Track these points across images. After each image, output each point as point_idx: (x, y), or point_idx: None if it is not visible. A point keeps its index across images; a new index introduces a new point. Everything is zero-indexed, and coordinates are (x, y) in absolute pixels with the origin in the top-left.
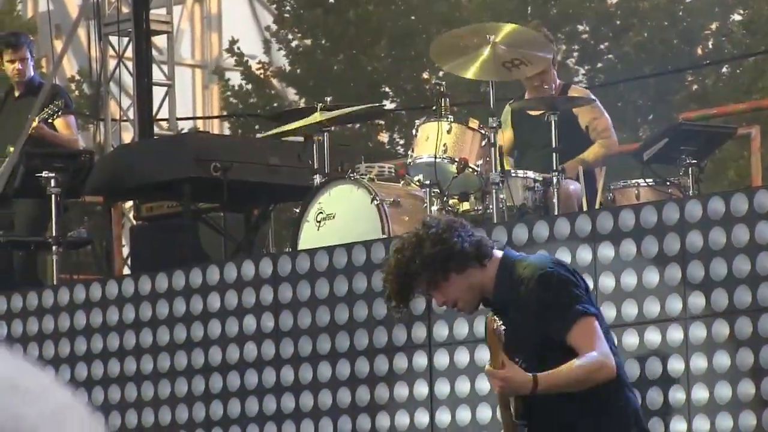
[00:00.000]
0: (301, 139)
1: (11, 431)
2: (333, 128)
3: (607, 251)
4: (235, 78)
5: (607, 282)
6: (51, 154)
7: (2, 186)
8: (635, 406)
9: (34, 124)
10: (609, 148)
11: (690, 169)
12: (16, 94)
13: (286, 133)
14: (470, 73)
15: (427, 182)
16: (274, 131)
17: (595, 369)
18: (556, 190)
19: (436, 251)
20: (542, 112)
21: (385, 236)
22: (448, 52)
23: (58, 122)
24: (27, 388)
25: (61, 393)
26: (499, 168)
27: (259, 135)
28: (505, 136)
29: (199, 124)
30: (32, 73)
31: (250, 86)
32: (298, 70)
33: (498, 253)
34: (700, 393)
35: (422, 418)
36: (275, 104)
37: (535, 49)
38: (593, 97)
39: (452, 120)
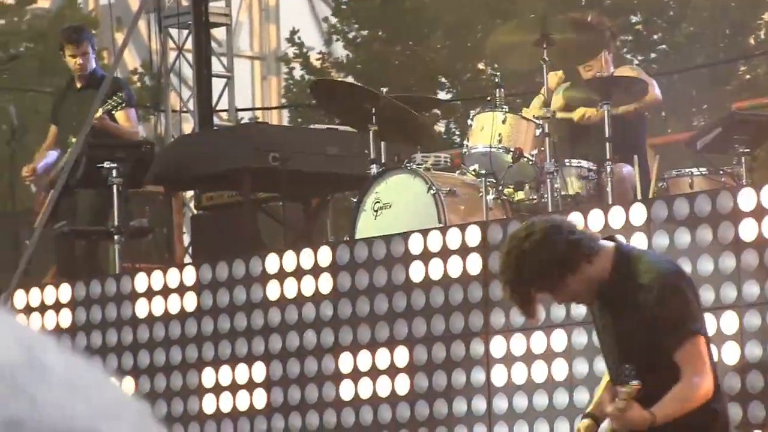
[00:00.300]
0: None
1: (67, 427)
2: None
3: (661, 240)
4: (295, 69)
5: None
6: (113, 144)
7: (66, 176)
8: (724, 420)
9: (97, 115)
10: (652, 96)
11: (743, 157)
12: (78, 85)
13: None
14: (524, 62)
15: (483, 172)
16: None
17: (698, 398)
18: (609, 179)
19: (545, 259)
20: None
21: (441, 225)
22: (503, 46)
23: (119, 115)
24: (83, 384)
25: (115, 387)
26: (553, 157)
27: (318, 126)
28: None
29: (258, 114)
30: (94, 66)
31: (310, 76)
32: (356, 62)
33: (607, 245)
34: (755, 380)
35: (479, 405)
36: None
37: (588, 37)
38: (636, 67)
39: (507, 110)
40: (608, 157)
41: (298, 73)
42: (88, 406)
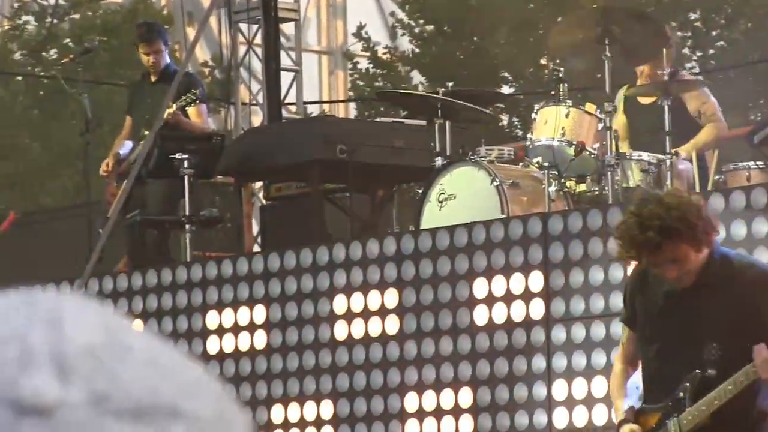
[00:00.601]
0: (424, 122)
1: (149, 405)
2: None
3: None
4: (362, 63)
5: None
6: (184, 137)
7: (138, 168)
8: None
9: (171, 110)
10: (719, 131)
11: None
12: (152, 79)
13: (410, 116)
14: (584, 62)
15: (546, 164)
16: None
17: None
18: (669, 171)
19: (701, 223)
20: (653, 99)
21: (504, 216)
22: (564, 44)
23: (192, 111)
24: (163, 363)
25: (195, 368)
26: (614, 151)
27: (384, 119)
28: (618, 121)
29: (325, 108)
30: (167, 61)
31: (377, 70)
32: (422, 56)
33: None
34: None
35: (540, 391)
36: (403, 86)
37: (648, 32)
38: (701, 78)
39: (570, 105)
40: (668, 150)
41: (363, 66)
42: (170, 384)
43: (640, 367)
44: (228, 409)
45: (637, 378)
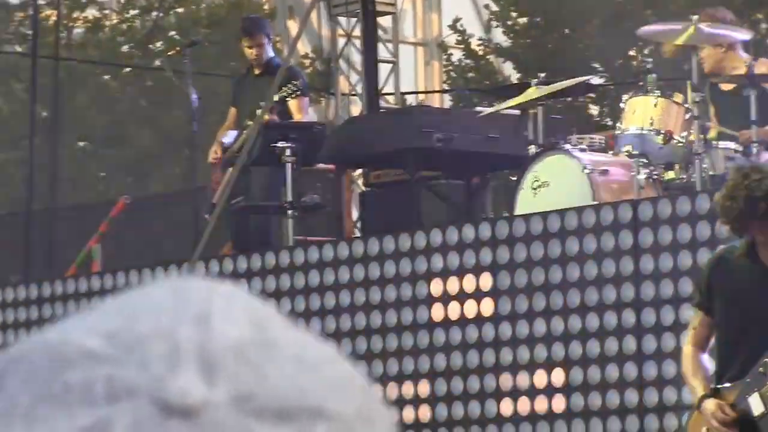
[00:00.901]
0: (517, 112)
1: (294, 405)
2: (547, 102)
3: None
4: (456, 54)
5: None
6: (287, 126)
7: (245, 156)
8: None
9: (275, 99)
10: None
11: None
12: (256, 72)
13: (505, 107)
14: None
15: (635, 152)
16: (495, 108)
17: None
18: (755, 158)
19: None
20: (734, 86)
21: (595, 203)
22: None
23: (293, 103)
24: (310, 360)
25: (342, 365)
26: (701, 139)
27: (479, 108)
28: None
29: (422, 98)
30: (270, 55)
31: (469, 62)
32: (515, 47)
33: None
34: None
35: (630, 371)
36: (498, 78)
37: (729, 30)
38: None
39: (659, 95)
40: (753, 138)
41: (456, 57)
42: (315, 382)
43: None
44: (372, 407)
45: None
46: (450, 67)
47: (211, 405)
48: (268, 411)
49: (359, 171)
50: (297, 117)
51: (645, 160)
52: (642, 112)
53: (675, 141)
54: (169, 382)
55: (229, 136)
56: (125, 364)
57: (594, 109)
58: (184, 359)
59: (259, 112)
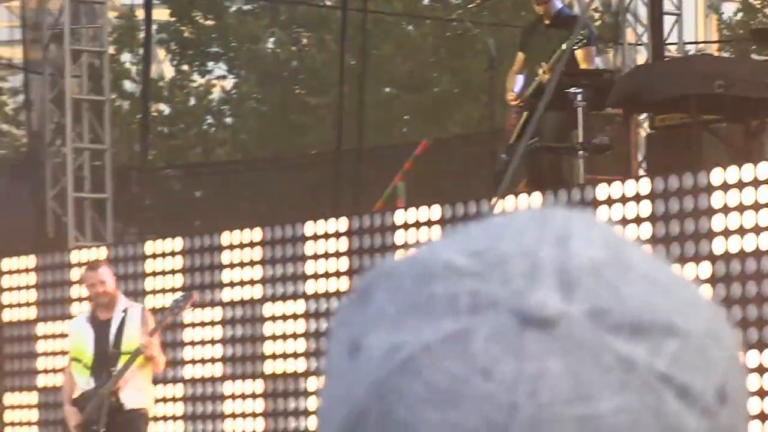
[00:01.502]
0: None
1: (646, 320)
2: None
3: None
4: (731, 8)
5: None
6: (578, 73)
7: (541, 100)
8: None
9: (563, 47)
10: None
11: None
12: (546, 22)
13: None
14: None
15: None
16: None
17: None
18: None
19: None
20: None
21: None
22: None
23: (579, 52)
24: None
25: (692, 288)
26: None
27: (757, 57)
28: None
29: (702, 47)
30: (559, 6)
31: (743, 15)
32: None
33: None
34: None
35: None
36: None
37: None
38: None
39: None
40: None
41: (731, 10)
42: (667, 301)
43: None
44: (720, 326)
45: None
46: (722, 25)
47: (567, 318)
48: (622, 326)
49: (645, 115)
50: (583, 65)
51: None
52: None
53: None
54: (528, 296)
55: (517, 81)
56: (488, 279)
57: None
58: (543, 276)
59: (551, 60)
